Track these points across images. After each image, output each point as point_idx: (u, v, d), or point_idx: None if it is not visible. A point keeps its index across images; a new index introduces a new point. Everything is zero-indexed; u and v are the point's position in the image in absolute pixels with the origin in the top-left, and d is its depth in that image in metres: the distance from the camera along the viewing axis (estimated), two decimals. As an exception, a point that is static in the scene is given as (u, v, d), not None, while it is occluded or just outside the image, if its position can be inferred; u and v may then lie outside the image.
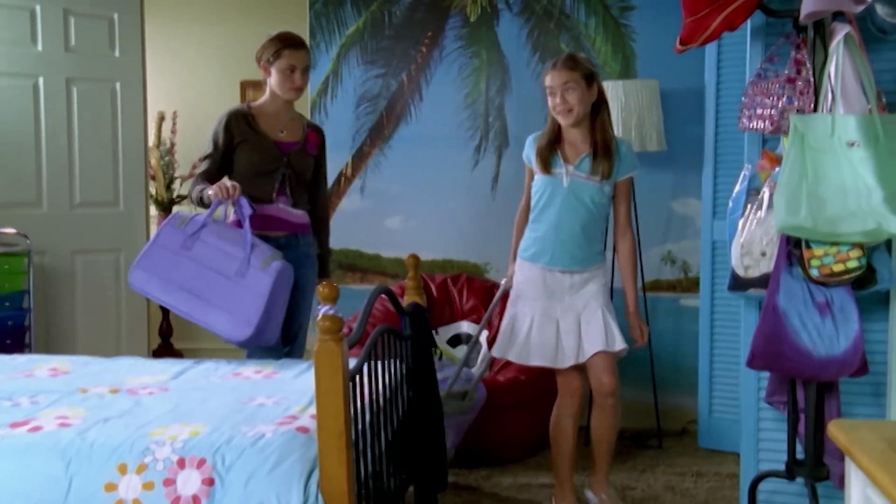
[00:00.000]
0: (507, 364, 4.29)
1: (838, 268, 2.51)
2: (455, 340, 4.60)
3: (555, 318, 3.24)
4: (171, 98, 6.02)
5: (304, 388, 2.65)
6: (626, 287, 3.31)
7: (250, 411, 2.44)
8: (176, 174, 6.00)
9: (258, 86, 6.19)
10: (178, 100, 6.07)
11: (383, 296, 2.80)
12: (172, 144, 6.00)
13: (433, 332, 3.17)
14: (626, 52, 4.72)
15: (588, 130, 3.23)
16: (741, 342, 3.01)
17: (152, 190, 5.65)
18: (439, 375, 3.31)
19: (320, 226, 3.71)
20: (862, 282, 2.58)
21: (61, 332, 4.76)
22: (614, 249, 3.43)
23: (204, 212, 3.24)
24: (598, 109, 3.24)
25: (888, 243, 2.61)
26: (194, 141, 6.09)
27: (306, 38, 4.93)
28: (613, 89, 4.25)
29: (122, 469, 2.17)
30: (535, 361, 3.24)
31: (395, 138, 4.89)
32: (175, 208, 5.92)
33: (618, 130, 4.05)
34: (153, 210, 5.66)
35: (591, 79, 3.20)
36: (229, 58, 6.11)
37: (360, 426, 2.30)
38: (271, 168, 3.45)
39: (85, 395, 2.65)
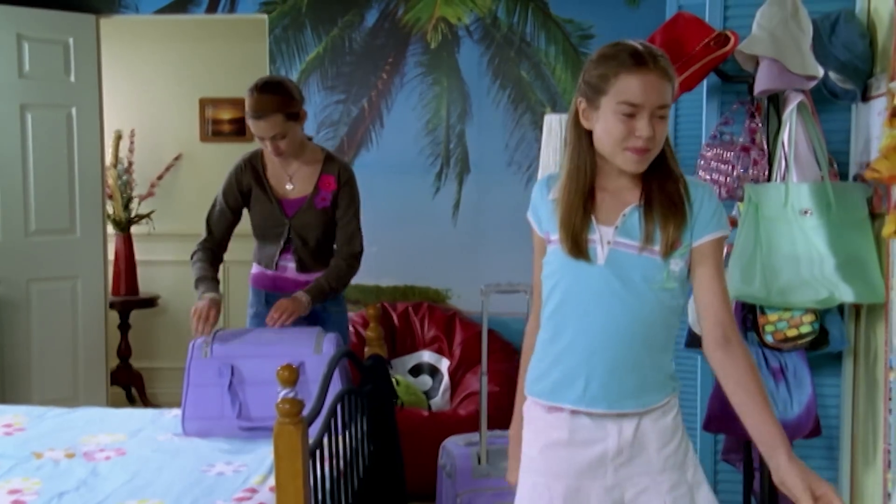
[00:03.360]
0: (468, 396, 4.31)
1: (792, 333, 2.55)
2: (416, 370, 4.61)
3: None
4: (129, 116, 5.94)
5: (263, 452, 2.63)
6: (765, 429, 1.79)
7: (209, 483, 2.42)
8: (134, 193, 5.93)
9: (218, 103, 6.15)
10: (135, 118, 5.98)
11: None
12: (130, 163, 5.93)
13: (391, 378, 3.14)
14: (585, 81, 4.73)
15: (639, 173, 1.90)
16: (697, 396, 3.05)
17: (109, 209, 5.58)
18: None
19: (329, 270, 3.20)
20: (815, 343, 2.63)
21: (17, 361, 4.70)
22: (710, 362, 1.91)
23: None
24: None
25: (840, 306, 2.65)
26: (152, 159, 6.03)
27: (265, 64, 4.90)
28: (573, 122, 4.26)
29: (79, 553, 2.15)
30: None
31: (355, 164, 4.86)
32: (133, 228, 5.86)
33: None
34: (111, 229, 5.59)
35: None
36: (188, 75, 6.04)
37: (320, 497, 2.30)
38: (274, 232, 3.22)
39: (40, 461, 2.61)
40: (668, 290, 1.87)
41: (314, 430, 2.28)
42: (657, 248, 1.85)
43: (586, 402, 1.88)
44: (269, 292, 3.26)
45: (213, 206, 3.30)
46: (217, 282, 3.19)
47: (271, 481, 2.35)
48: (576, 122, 1.92)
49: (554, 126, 4.10)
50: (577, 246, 1.88)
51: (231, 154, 5.92)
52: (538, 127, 4.70)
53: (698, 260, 1.89)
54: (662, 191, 1.88)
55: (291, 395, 2.12)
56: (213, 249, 3.27)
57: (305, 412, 2.17)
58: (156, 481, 2.44)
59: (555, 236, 1.93)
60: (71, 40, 4.80)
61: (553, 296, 1.94)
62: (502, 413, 3.93)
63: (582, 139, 1.91)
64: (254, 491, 2.36)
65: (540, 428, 1.95)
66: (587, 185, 1.90)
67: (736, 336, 1.88)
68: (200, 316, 2.96)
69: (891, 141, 1.93)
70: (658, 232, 1.85)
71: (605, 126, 1.84)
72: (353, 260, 3.25)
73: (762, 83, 2.49)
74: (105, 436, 2.87)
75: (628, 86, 1.80)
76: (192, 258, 3.26)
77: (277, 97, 3.05)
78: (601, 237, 1.88)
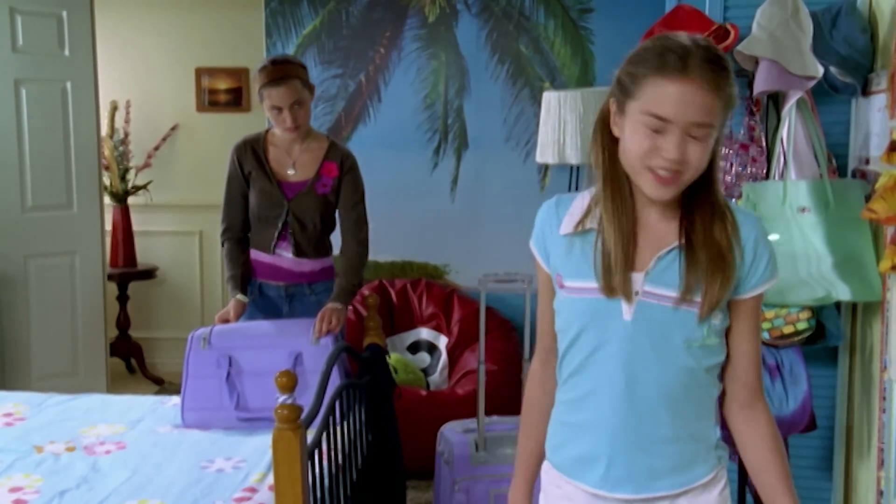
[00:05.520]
0: (466, 375, 4.33)
1: (788, 329, 2.56)
2: (414, 347, 4.63)
3: None
4: (125, 87, 5.89)
5: (263, 445, 2.65)
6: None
7: (209, 481, 2.45)
8: (130, 164, 5.90)
9: (214, 73, 6.09)
10: (131, 89, 5.93)
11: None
12: (126, 134, 5.89)
13: (390, 368, 3.15)
14: (584, 55, 4.71)
15: (676, 200, 1.57)
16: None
17: (106, 181, 5.56)
18: None
19: (345, 265, 3.19)
20: (811, 338, 2.63)
21: (16, 337, 4.71)
22: (724, 427, 1.71)
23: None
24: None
25: (837, 301, 2.65)
26: (149, 130, 6.00)
27: (262, 38, 4.85)
28: (571, 100, 4.19)
29: (81, 555, 2.18)
30: None
31: (353, 140, 4.85)
32: (130, 199, 5.84)
33: (575, 144, 3.99)
34: (108, 200, 5.57)
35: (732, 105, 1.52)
36: (183, 44, 5.98)
37: (318, 494, 2.32)
38: (272, 214, 3.17)
39: (41, 455, 2.64)
40: (709, 346, 1.56)
41: (313, 429, 2.30)
42: (699, 299, 1.52)
43: (609, 485, 1.59)
44: (264, 282, 3.25)
45: (224, 200, 3.27)
46: (245, 274, 3.23)
47: (270, 479, 2.37)
48: (604, 127, 1.58)
49: (552, 103, 4.07)
50: (610, 287, 1.54)
51: (227, 124, 5.97)
52: (537, 102, 4.66)
53: (738, 314, 1.58)
54: (708, 231, 1.53)
55: (290, 401, 2.13)
56: (237, 238, 3.27)
57: (303, 415, 2.19)
58: (156, 478, 2.47)
59: (572, 282, 1.58)
60: (64, 13, 4.75)
61: (571, 355, 1.61)
62: (501, 393, 3.98)
63: (610, 150, 1.57)
64: (253, 490, 2.39)
65: (557, 497, 1.68)
66: (632, 217, 1.54)
67: (762, 400, 1.63)
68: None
69: (888, 180, 1.92)
70: (701, 284, 1.51)
71: (629, 137, 1.51)
72: (363, 248, 3.25)
73: (761, 84, 2.47)
74: (105, 427, 2.89)
75: (659, 94, 1.46)
76: (222, 245, 3.29)
77: (293, 64, 3.13)
78: (629, 286, 1.54)
